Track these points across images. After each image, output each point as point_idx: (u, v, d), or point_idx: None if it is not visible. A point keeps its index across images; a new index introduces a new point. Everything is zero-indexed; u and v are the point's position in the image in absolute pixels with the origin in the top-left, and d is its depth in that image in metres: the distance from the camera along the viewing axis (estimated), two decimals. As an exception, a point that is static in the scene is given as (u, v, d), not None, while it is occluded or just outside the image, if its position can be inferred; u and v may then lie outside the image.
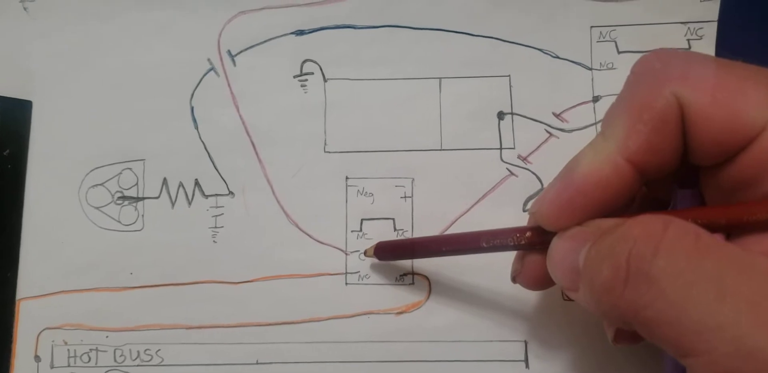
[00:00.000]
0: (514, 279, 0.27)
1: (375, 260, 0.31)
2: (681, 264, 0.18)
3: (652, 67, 0.23)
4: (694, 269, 0.18)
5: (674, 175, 0.24)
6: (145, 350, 0.32)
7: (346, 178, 0.32)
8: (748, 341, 0.17)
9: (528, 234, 0.25)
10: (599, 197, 0.23)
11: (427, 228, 0.31)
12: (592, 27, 0.32)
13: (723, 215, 0.22)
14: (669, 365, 0.25)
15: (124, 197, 0.33)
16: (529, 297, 0.31)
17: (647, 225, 0.20)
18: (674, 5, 0.32)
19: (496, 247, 0.26)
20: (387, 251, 0.30)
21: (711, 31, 0.31)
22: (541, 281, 0.26)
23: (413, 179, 0.32)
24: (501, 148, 0.32)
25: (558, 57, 0.32)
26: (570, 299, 0.31)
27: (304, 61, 0.33)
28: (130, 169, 0.33)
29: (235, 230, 0.32)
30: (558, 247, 0.23)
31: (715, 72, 0.22)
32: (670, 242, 0.19)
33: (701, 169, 0.24)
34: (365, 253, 0.31)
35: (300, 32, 0.33)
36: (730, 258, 0.19)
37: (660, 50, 0.24)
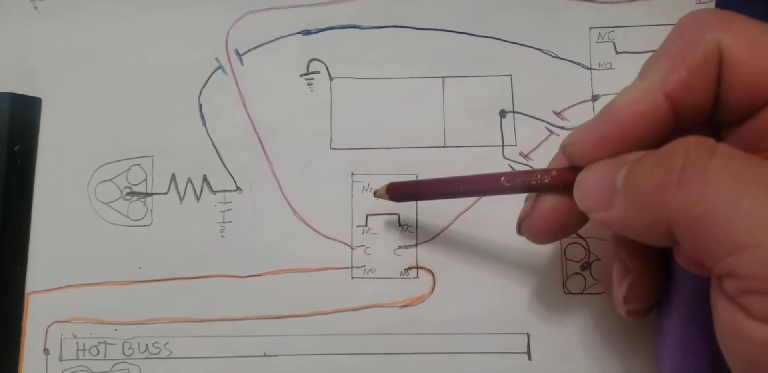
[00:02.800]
0: (520, 226, 0.27)
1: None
2: (736, 164, 0.19)
3: (697, 18, 0.24)
4: (748, 169, 0.19)
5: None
6: (154, 343, 0.32)
7: (352, 174, 0.33)
8: None
9: (554, 173, 0.25)
10: (635, 131, 0.23)
11: (431, 223, 0.32)
12: (591, 28, 0.33)
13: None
14: (668, 355, 0.25)
15: (132, 193, 0.33)
16: (532, 290, 0.32)
17: (701, 137, 0.20)
18: (671, 7, 0.33)
19: (515, 186, 0.26)
20: (401, 191, 0.30)
21: (706, 33, 0.32)
22: (550, 228, 0.26)
23: (417, 176, 0.33)
24: (503, 146, 0.33)
25: (558, 57, 0.33)
26: (572, 292, 0.31)
27: (311, 60, 0.34)
28: (138, 165, 0.33)
29: (243, 225, 0.33)
30: (590, 172, 0.23)
31: (756, 26, 0.23)
32: (724, 149, 0.20)
33: (725, 130, 0.25)
34: (375, 193, 0.30)
35: (306, 32, 0.34)
36: None
37: (705, 8, 0.25)
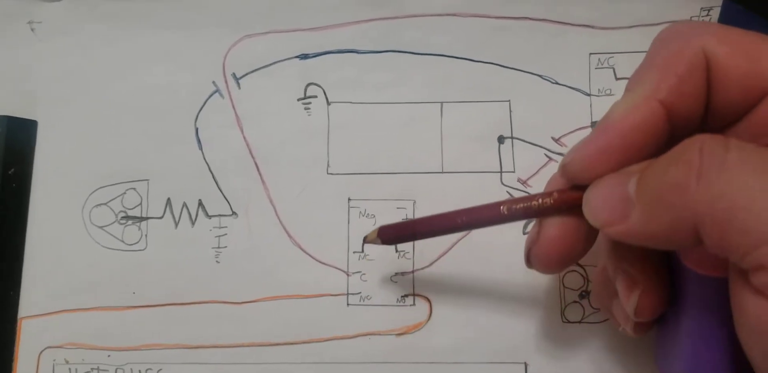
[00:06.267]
0: (528, 256, 0.26)
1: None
2: (752, 155, 0.19)
3: (678, 29, 0.24)
4: (765, 160, 0.19)
5: None
6: (147, 370, 0.32)
7: (349, 199, 0.33)
8: None
9: (555, 194, 0.24)
10: (634, 141, 0.23)
11: (428, 250, 0.32)
12: (590, 54, 0.33)
13: None
14: (679, 365, 0.25)
15: (127, 217, 0.33)
16: (530, 319, 0.31)
17: (711, 134, 0.20)
18: (670, 34, 0.32)
19: (517, 213, 0.25)
20: (393, 233, 0.28)
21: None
22: (559, 253, 0.25)
23: (415, 201, 0.33)
24: (501, 172, 0.33)
25: (557, 83, 0.33)
26: (570, 321, 0.31)
27: (308, 85, 0.34)
28: (134, 189, 0.33)
29: (238, 251, 0.32)
30: (598, 187, 0.23)
31: (736, 31, 0.23)
32: (737, 142, 0.19)
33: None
34: (365, 238, 0.29)
35: (304, 56, 0.34)
36: None
37: (682, 21, 0.25)
